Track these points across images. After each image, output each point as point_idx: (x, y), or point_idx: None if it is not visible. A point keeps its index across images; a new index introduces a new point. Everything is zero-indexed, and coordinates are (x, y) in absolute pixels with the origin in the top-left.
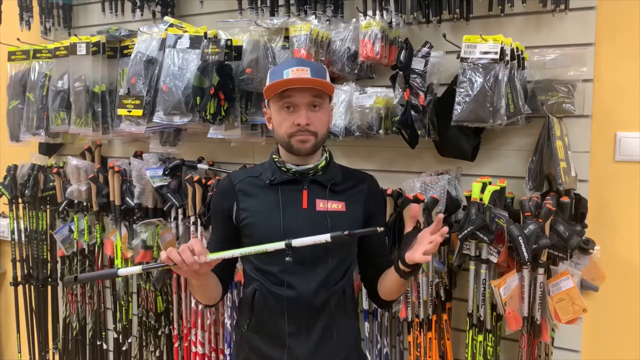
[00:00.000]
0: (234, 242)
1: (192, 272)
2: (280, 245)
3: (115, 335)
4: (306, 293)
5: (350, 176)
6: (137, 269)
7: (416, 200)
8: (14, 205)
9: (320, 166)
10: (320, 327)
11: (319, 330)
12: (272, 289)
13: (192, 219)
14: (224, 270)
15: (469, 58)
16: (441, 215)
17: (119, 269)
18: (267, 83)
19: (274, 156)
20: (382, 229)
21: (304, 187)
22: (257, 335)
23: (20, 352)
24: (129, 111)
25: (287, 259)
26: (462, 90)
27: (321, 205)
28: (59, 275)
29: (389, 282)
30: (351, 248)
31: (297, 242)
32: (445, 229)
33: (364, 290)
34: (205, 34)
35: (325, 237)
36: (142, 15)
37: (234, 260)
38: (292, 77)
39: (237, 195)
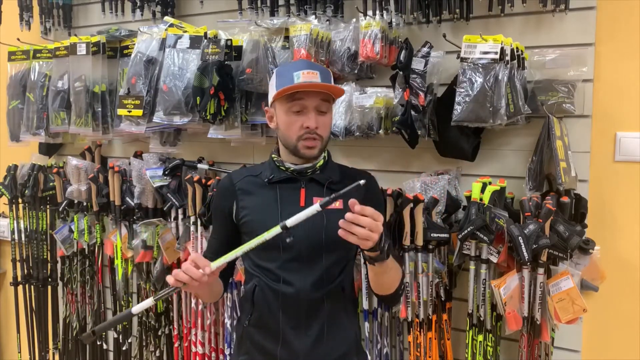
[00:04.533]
0: (234, 241)
1: (201, 285)
2: (277, 230)
3: (115, 335)
4: (303, 289)
5: (348, 175)
6: (150, 301)
7: (416, 200)
8: (14, 205)
9: (318, 165)
10: (319, 323)
11: (318, 327)
12: (270, 285)
13: (192, 219)
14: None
15: (469, 58)
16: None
17: (131, 308)
18: (275, 84)
19: (273, 155)
20: (364, 181)
21: (301, 186)
22: (257, 331)
23: (20, 352)
24: (129, 111)
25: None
26: (462, 90)
27: None
28: (58, 275)
29: (369, 274)
30: (349, 245)
31: (290, 222)
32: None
33: (363, 291)
34: (205, 34)
35: (315, 207)
36: (142, 15)
37: None
38: (304, 80)
39: (237, 194)
